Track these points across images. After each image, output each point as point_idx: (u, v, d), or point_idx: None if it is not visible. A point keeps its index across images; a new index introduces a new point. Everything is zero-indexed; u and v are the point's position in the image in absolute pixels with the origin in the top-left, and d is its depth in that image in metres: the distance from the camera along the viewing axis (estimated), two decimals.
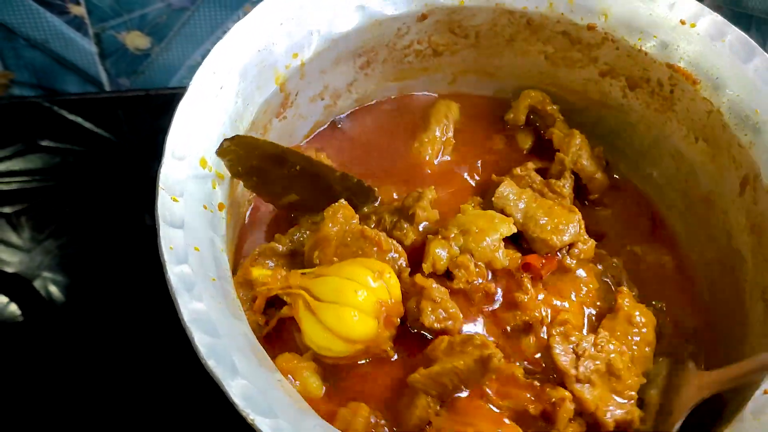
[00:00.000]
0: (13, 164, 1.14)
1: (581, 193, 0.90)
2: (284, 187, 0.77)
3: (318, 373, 0.71)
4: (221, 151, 0.70)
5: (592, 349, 0.73)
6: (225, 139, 0.70)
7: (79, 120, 1.18)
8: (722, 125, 0.80)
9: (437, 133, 0.91)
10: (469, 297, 0.76)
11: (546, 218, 0.81)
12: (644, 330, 0.77)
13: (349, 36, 0.82)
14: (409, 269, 0.76)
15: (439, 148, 0.91)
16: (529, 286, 0.77)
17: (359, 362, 0.72)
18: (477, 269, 0.76)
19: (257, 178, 0.75)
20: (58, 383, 0.94)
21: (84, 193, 1.12)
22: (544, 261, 0.80)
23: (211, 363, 0.57)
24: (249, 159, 0.72)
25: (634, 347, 0.76)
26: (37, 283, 1.03)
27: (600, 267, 0.84)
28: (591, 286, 0.81)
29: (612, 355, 0.73)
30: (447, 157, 0.92)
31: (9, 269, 1.03)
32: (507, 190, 0.82)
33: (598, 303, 0.81)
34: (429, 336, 0.74)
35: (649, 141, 0.89)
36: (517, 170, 0.87)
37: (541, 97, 0.92)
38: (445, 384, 0.68)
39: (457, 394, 0.69)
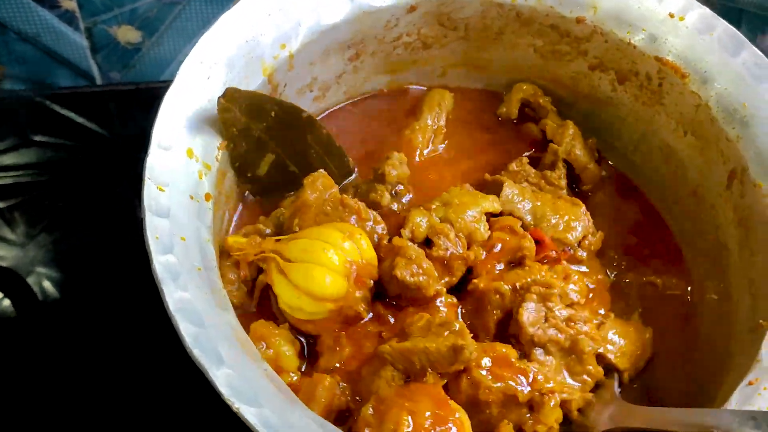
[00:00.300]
0: (5, 159, 1.13)
1: (574, 184, 0.90)
2: (261, 145, 0.78)
3: (292, 342, 0.71)
4: (221, 109, 0.72)
5: (563, 322, 0.74)
6: (219, 97, 0.71)
7: (71, 115, 1.18)
8: (710, 119, 0.80)
9: (429, 122, 0.91)
10: (447, 265, 0.76)
11: (556, 216, 0.82)
12: None
13: (338, 27, 0.82)
14: (387, 237, 0.77)
15: (430, 136, 0.91)
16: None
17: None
18: (456, 239, 0.76)
19: (245, 144, 0.76)
20: (51, 379, 0.93)
21: (77, 188, 1.12)
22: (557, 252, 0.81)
23: (197, 352, 0.57)
24: (239, 116, 0.74)
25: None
26: (31, 279, 1.03)
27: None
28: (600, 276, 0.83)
29: (581, 336, 0.73)
30: (440, 146, 0.92)
31: (2, 264, 1.03)
32: (510, 191, 0.83)
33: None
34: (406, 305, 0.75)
35: (638, 135, 0.89)
36: (513, 165, 0.87)
37: (533, 90, 0.93)
38: (413, 362, 0.68)
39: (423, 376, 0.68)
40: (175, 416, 0.91)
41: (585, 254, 0.83)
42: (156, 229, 0.63)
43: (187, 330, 0.58)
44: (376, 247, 0.76)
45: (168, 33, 1.14)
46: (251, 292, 0.74)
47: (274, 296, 0.72)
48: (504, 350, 0.70)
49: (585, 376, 0.73)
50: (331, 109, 0.93)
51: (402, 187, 0.84)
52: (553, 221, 0.82)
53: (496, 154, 0.92)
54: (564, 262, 0.80)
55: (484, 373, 0.68)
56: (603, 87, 0.90)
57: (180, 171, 0.68)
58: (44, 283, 1.02)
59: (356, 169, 0.87)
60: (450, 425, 0.63)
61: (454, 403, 0.67)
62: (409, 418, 0.63)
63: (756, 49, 0.80)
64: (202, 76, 0.72)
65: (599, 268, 0.84)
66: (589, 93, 0.91)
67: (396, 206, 0.82)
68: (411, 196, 0.85)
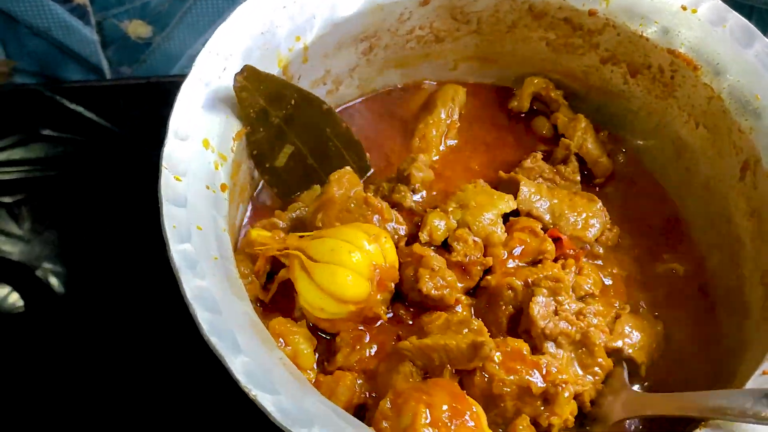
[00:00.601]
0: (14, 153, 1.14)
1: (586, 178, 0.90)
2: (280, 135, 0.78)
3: (310, 340, 0.71)
4: (238, 87, 0.72)
5: (573, 316, 0.74)
6: (236, 74, 0.72)
7: (80, 109, 1.18)
8: (723, 111, 0.80)
9: (442, 116, 0.91)
10: (466, 270, 0.77)
11: (574, 214, 0.83)
12: None
13: (351, 20, 0.82)
14: (406, 238, 0.77)
15: (444, 130, 0.91)
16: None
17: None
18: (474, 244, 0.77)
19: (263, 131, 0.76)
20: (57, 375, 0.93)
21: (85, 183, 1.12)
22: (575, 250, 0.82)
23: (214, 340, 0.57)
24: (256, 97, 0.74)
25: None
26: (38, 274, 1.02)
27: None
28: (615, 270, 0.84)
29: (591, 329, 0.74)
30: (453, 141, 0.92)
31: (11, 258, 1.03)
32: (527, 191, 0.83)
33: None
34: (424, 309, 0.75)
35: (651, 127, 0.90)
36: (527, 162, 0.88)
37: (544, 83, 0.93)
38: (432, 358, 0.69)
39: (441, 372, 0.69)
40: (182, 409, 0.91)
41: (602, 249, 0.84)
42: (173, 218, 0.63)
43: (204, 318, 0.58)
44: (397, 245, 0.76)
45: (178, 28, 1.14)
46: (264, 285, 0.75)
47: (295, 292, 0.73)
48: (516, 344, 0.71)
49: (596, 368, 0.74)
50: (345, 105, 0.94)
51: (419, 184, 0.84)
52: (572, 219, 0.83)
53: (509, 149, 0.93)
54: (582, 259, 0.81)
55: (497, 367, 0.69)
56: (615, 80, 0.90)
57: (196, 161, 0.68)
58: (51, 278, 1.02)
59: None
60: (467, 418, 0.63)
61: (471, 398, 0.67)
62: (427, 411, 0.62)
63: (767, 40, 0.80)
64: (218, 68, 0.72)
65: (615, 261, 0.84)
66: (601, 86, 0.91)
67: (413, 204, 0.83)
68: (425, 192, 0.85)
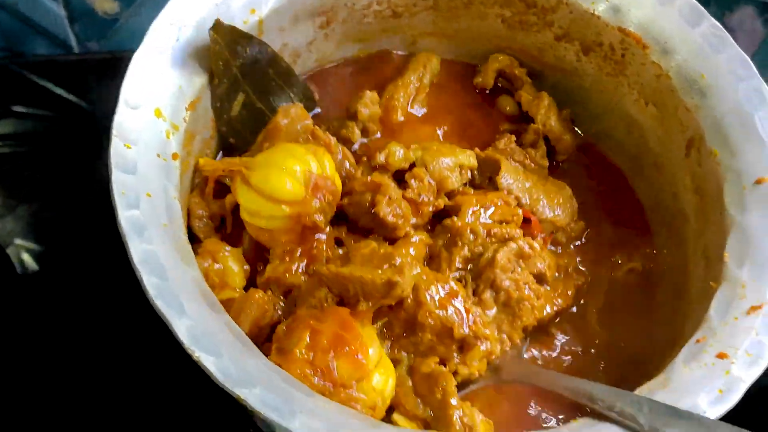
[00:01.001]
0: None
1: (549, 155, 0.92)
2: (235, 85, 0.80)
3: (240, 260, 0.74)
4: (212, 41, 0.75)
5: (524, 284, 0.77)
6: (210, 29, 0.75)
7: (49, 85, 1.18)
8: (670, 89, 0.82)
9: (412, 79, 0.92)
10: (419, 209, 0.78)
11: (546, 199, 0.85)
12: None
13: None
14: (357, 170, 0.80)
15: (411, 93, 0.92)
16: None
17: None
18: (429, 185, 0.79)
19: (226, 81, 0.79)
20: (30, 352, 0.94)
21: (56, 159, 1.12)
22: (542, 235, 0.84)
23: (159, 303, 0.59)
24: (223, 49, 0.76)
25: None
26: (10, 251, 1.03)
27: None
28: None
29: (526, 303, 0.77)
30: (423, 110, 0.93)
31: None
32: (507, 177, 0.84)
33: None
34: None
35: (602, 105, 0.91)
36: (501, 143, 0.89)
37: (508, 60, 0.94)
38: (347, 288, 0.69)
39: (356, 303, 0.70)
40: (156, 387, 0.93)
41: (565, 239, 0.86)
42: (122, 184, 0.64)
43: (150, 282, 0.60)
44: (344, 179, 0.78)
45: (145, 3, 1.15)
46: (218, 229, 0.77)
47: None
48: (456, 287, 0.73)
49: (511, 338, 0.76)
50: (315, 71, 0.94)
51: (370, 124, 0.86)
52: (544, 204, 0.85)
53: (474, 125, 0.93)
54: (547, 245, 0.83)
55: (430, 298, 0.71)
56: (569, 57, 0.91)
57: (147, 130, 0.69)
58: (23, 255, 1.03)
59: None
60: (349, 347, 0.65)
61: (368, 332, 0.68)
62: (308, 336, 0.65)
63: (714, 20, 0.81)
64: (172, 38, 0.73)
65: (573, 256, 0.86)
66: (556, 64, 0.93)
67: (361, 139, 0.86)
68: (379, 135, 0.88)
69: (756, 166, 0.75)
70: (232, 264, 0.73)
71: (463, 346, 0.71)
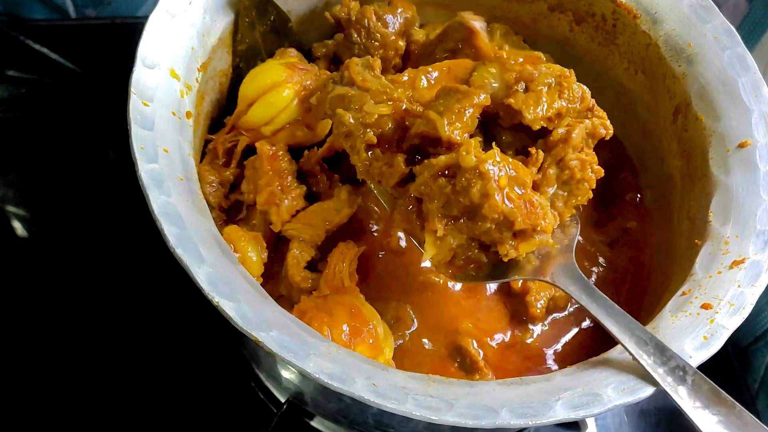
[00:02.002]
0: None
1: None
2: (254, 49, 0.85)
3: (259, 248, 0.76)
4: None
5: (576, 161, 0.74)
6: None
7: (45, 50, 1.19)
8: (659, 57, 0.85)
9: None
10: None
11: None
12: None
13: None
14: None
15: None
16: None
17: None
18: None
19: (248, 41, 0.83)
20: (24, 320, 0.96)
21: (49, 125, 1.13)
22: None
23: (179, 251, 0.61)
24: (251, 7, 0.81)
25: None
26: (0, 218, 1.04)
27: None
28: None
29: (585, 184, 0.75)
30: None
31: None
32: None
33: None
34: None
35: (593, 74, 0.94)
36: None
37: (504, 30, 0.96)
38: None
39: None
40: (148, 350, 0.96)
41: None
42: (141, 139, 0.66)
43: (170, 231, 0.62)
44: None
45: None
46: (227, 195, 0.80)
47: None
48: (524, 174, 0.68)
49: (559, 214, 0.74)
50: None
51: None
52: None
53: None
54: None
55: (497, 187, 0.65)
56: (561, 28, 0.94)
57: (163, 88, 0.71)
58: (13, 222, 1.05)
59: None
60: (365, 336, 0.69)
61: (368, 310, 0.72)
62: (329, 330, 0.68)
63: None
64: (185, 2, 0.75)
65: None
66: (549, 33, 0.96)
67: None
68: None
69: (739, 129, 0.78)
70: (252, 253, 0.75)
71: (519, 235, 0.68)
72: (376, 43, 0.86)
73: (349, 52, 0.87)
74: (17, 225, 1.04)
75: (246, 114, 0.78)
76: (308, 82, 0.78)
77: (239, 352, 0.95)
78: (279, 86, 0.77)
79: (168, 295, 0.97)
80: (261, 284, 0.72)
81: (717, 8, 0.84)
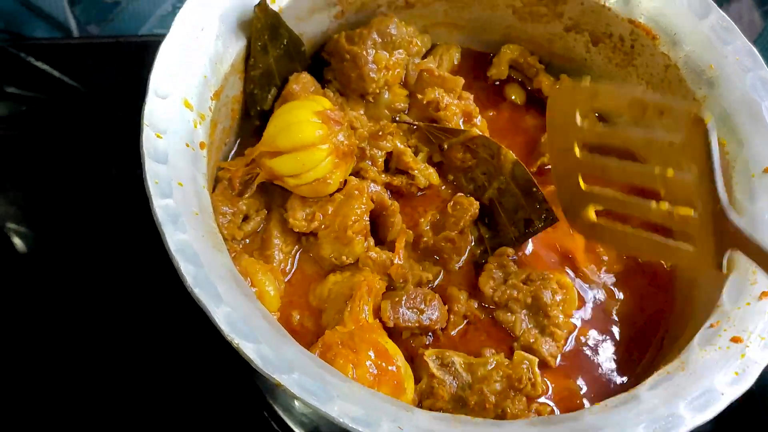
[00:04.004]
0: None
1: None
2: (268, 74, 0.83)
3: (275, 282, 0.75)
4: (255, 19, 0.78)
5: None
6: (255, 6, 0.77)
7: (46, 68, 1.17)
8: (679, 79, 0.84)
9: (431, 66, 0.92)
10: None
11: None
12: None
13: None
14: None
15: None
16: None
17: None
18: None
19: (261, 65, 0.81)
20: (26, 343, 0.95)
21: (50, 142, 1.11)
22: None
23: (197, 291, 0.60)
24: (264, 31, 0.79)
25: None
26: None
27: None
28: None
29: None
30: None
31: None
32: None
33: None
34: None
35: None
36: None
37: (519, 51, 0.95)
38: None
39: None
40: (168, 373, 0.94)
41: None
42: (155, 174, 0.65)
43: (187, 270, 0.60)
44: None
45: None
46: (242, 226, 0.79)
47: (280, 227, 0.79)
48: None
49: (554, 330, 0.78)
50: None
51: None
52: None
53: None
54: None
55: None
56: (578, 48, 0.93)
57: (176, 119, 0.70)
58: (14, 238, 1.03)
59: None
60: (389, 376, 0.68)
61: (392, 348, 0.71)
62: (354, 370, 0.67)
63: (722, 12, 0.83)
64: (197, 27, 0.74)
65: None
66: (564, 54, 0.94)
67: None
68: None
69: (763, 155, 0.77)
70: (269, 287, 0.74)
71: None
72: (353, 75, 0.86)
73: (331, 75, 0.88)
74: (18, 242, 1.03)
75: (272, 160, 0.75)
76: (341, 138, 0.76)
77: (251, 381, 0.94)
78: (313, 147, 0.75)
79: (175, 316, 0.95)
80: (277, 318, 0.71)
81: (738, 29, 0.82)
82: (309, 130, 0.74)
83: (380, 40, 0.86)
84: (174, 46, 0.72)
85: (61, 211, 1.05)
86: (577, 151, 0.73)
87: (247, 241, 0.79)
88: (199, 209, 0.67)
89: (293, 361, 0.60)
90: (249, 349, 0.58)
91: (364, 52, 0.85)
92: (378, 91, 0.87)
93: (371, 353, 0.68)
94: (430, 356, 0.73)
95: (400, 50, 0.88)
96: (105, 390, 0.92)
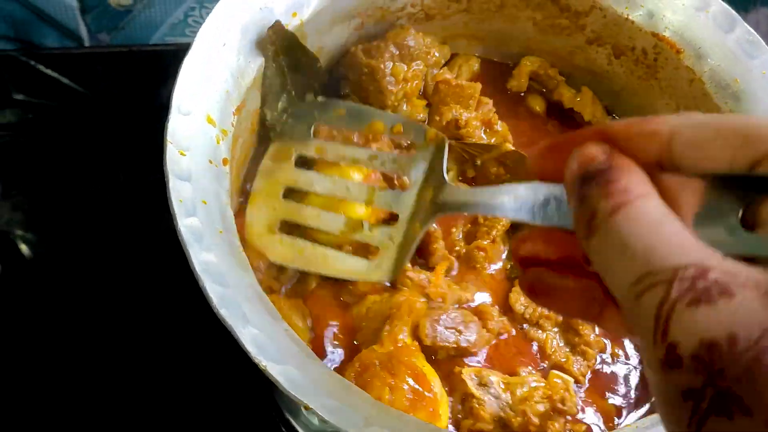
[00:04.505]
0: None
1: None
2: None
3: (303, 314, 0.75)
4: (271, 40, 0.76)
5: None
6: (269, 28, 0.75)
7: (55, 75, 1.17)
8: (703, 93, 0.83)
9: (447, 76, 0.91)
10: None
11: None
12: None
13: None
14: None
15: None
16: None
17: None
18: None
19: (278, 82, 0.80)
20: (34, 342, 0.94)
21: (57, 149, 1.10)
22: None
23: (224, 312, 0.58)
24: (278, 51, 0.78)
25: None
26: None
27: None
28: None
29: None
30: None
31: None
32: None
33: None
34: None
35: (632, 108, 0.92)
36: None
37: (539, 62, 0.95)
38: None
39: None
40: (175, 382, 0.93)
41: None
42: (179, 192, 0.64)
43: (213, 290, 0.59)
44: None
45: None
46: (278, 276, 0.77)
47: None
48: None
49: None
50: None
51: None
52: None
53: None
54: None
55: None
56: (599, 61, 0.92)
57: (199, 136, 0.68)
58: (21, 245, 1.01)
59: None
60: (425, 402, 0.67)
61: (429, 372, 0.70)
62: (388, 394, 0.66)
63: (748, 26, 0.83)
64: (218, 43, 0.73)
65: None
66: (585, 66, 0.94)
67: None
68: None
69: None
70: (298, 321, 0.74)
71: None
72: (371, 88, 0.85)
73: (349, 89, 0.88)
74: (25, 248, 1.02)
75: None
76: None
77: (260, 378, 0.93)
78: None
79: (185, 321, 0.94)
80: None
81: (765, 43, 0.82)
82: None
83: (398, 52, 0.85)
84: (196, 62, 0.71)
85: (69, 217, 1.04)
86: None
87: (288, 286, 0.78)
88: (223, 227, 0.66)
89: (321, 384, 0.59)
90: (276, 372, 0.57)
91: (382, 65, 0.84)
92: (396, 103, 0.86)
93: (409, 378, 0.67)
94: (467, 374, 0.72)
95: (418, 61, 0.87)
96: (110, 396, 0.91)
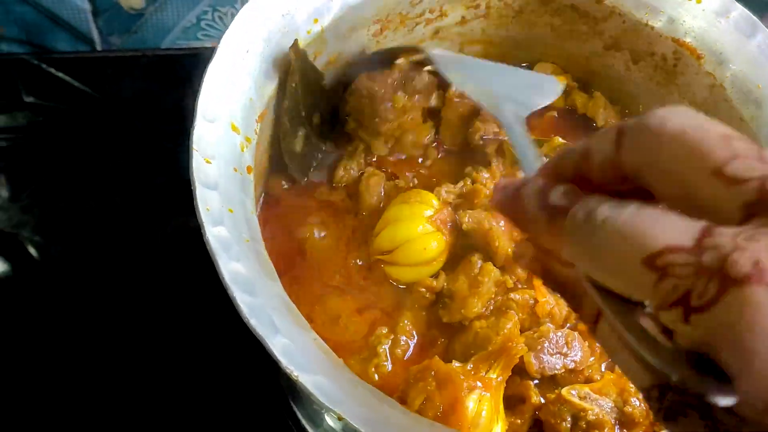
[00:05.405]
0: None
1: None
2: (299, 117, 0.82)
3: None
4: (292, 59, 0.76)
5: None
6: (290, 47, 0.76)
7: (67, 78, 1.17)
8: (724, 99, 0.83)
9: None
10: None
11: None
12: None
13: (367, 3, 0.83)
14: None
15: None
16: None
17: None
18: None
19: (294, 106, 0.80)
20: (45, 344, 0.94)
21: (67, 152, 1.11)
22: None
23: (254, 322, 0.58)
24: (296, 72, 0.78)
25: None
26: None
27: None
28: None
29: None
30: None
31: None
32: None
33: None
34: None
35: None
36: None
37: (552, 68, 0.95)
38: None
39: None
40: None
41: None
42: (206, 201, 0.63)
43: (243, 300, 0.59)
44: None
45: (171, 0, 1.14)
46: None
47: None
48: None
49: None
50: None
51: None
52: None
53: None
54: None
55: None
56: (617, 66, 0.92)
57: (224, 143, 0.68)
58: (29, 248, 1.02)
59: None
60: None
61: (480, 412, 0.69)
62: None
63: None
64: (242, 50, 0.73)
65: None
66: (602, 71, 0.94)
67: None
68: None
69: None
70: None
71: None
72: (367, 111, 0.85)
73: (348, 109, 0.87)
74: (33, 251, 1.03)
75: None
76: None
77: (276, 384, 0.93)
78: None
79: (192, 325, 0.95)
80: None
81: None
82: (424, 243, 0.76)
83: (402, 82, 0.85)
84: (220, 69, 0.70)
85: (77, 220, 1.05)
86: None
87: None
88: (249, 236, 0.66)
89: (352, 393, 0.59)
90: (308, 382, 0.57)
91: (382, 91, 0.83)
92: (391, 133, 0.86)
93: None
94: (569, 392, 0.71)
95: (419, 96, 0.86)
96: (120, 399, 0.92)
